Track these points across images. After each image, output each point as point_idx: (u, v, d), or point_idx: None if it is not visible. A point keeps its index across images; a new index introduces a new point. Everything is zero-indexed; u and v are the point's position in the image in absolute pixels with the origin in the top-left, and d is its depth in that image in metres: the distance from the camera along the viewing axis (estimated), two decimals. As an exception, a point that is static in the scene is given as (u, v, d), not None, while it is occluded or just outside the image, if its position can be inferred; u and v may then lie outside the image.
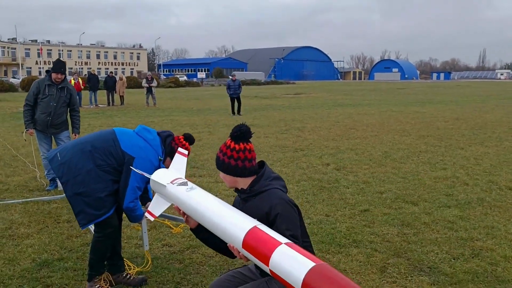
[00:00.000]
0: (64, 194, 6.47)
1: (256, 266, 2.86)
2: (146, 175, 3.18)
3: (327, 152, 10.29)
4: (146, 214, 3.10)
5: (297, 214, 2.71)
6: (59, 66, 6.86)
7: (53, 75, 6.82)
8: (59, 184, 7.00)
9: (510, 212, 5.87)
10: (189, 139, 3.77)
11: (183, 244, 4.86)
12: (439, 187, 7.10)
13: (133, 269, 4.12)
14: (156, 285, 3.94)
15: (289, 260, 2.15)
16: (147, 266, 4.15)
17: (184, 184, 2.88)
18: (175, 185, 2.89)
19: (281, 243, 2.25)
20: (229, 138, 2.76)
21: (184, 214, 2.84)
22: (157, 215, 3.01)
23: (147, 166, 3.50)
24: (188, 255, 4.59)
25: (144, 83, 25.92)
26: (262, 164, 2.84)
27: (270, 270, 2.23)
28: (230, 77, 20.40)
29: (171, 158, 3.57)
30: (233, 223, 2.47)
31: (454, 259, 4.43)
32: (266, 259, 2.23)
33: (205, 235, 2.90)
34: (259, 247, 2.29)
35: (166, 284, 3.95)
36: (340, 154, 10.09)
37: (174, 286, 3.92)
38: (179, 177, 2.99)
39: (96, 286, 3.77)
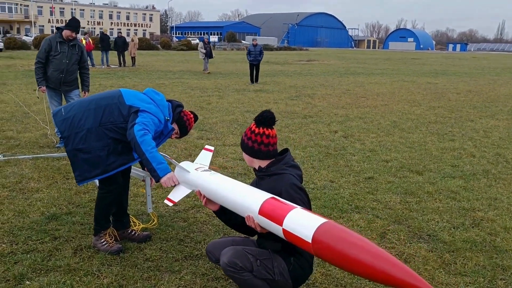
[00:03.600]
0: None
1: (257, 240, 3.07)
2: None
3: (335, 120, 10.28)
4: (166, 201, 3.34)
5: (306, 200, 2.84)
6: (75, 24, 6.89)
7: (67, 32, 6.82)
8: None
9: (514, 184, 5.88)
10: (195, 116, 3.99)
11: (188, 203, 4.94)
12: (445, 158, 7.11)
13: (138, 226, 4.22)
14: (160, 241, 4.03)
15: (301, 219, 2.35)
16: (153, 224, 4.26)
17: (207, 171, 3.21)
18: (199, 171, 3.21)
19: (296, 207, 2.46)
20: (253, 121, 2.95)
21: (204, 197, 3.07)
22: (176, 201, 3.29)
23: (150, 119, 3.51)
24: (192, 214, 4.69)
25: (200, 47, 23.15)
26: (285, 150, 3.01)
27: (283, 229, 2.40)
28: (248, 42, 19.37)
29: (178, 125, 3.88)
30: (251, 196, 2.70)
31: (454, 228, 4.47)
32: (280, 221, 2.42)
33: (226, 216, 3.13)
34: (274, 212, 2.49)
35: (170, 241, 4.04)
36: (348, 122, 10.08)
37: (177, 243, 4.01)
38: (202, 166, 3.35)
39: (102, 240, 3.86)
